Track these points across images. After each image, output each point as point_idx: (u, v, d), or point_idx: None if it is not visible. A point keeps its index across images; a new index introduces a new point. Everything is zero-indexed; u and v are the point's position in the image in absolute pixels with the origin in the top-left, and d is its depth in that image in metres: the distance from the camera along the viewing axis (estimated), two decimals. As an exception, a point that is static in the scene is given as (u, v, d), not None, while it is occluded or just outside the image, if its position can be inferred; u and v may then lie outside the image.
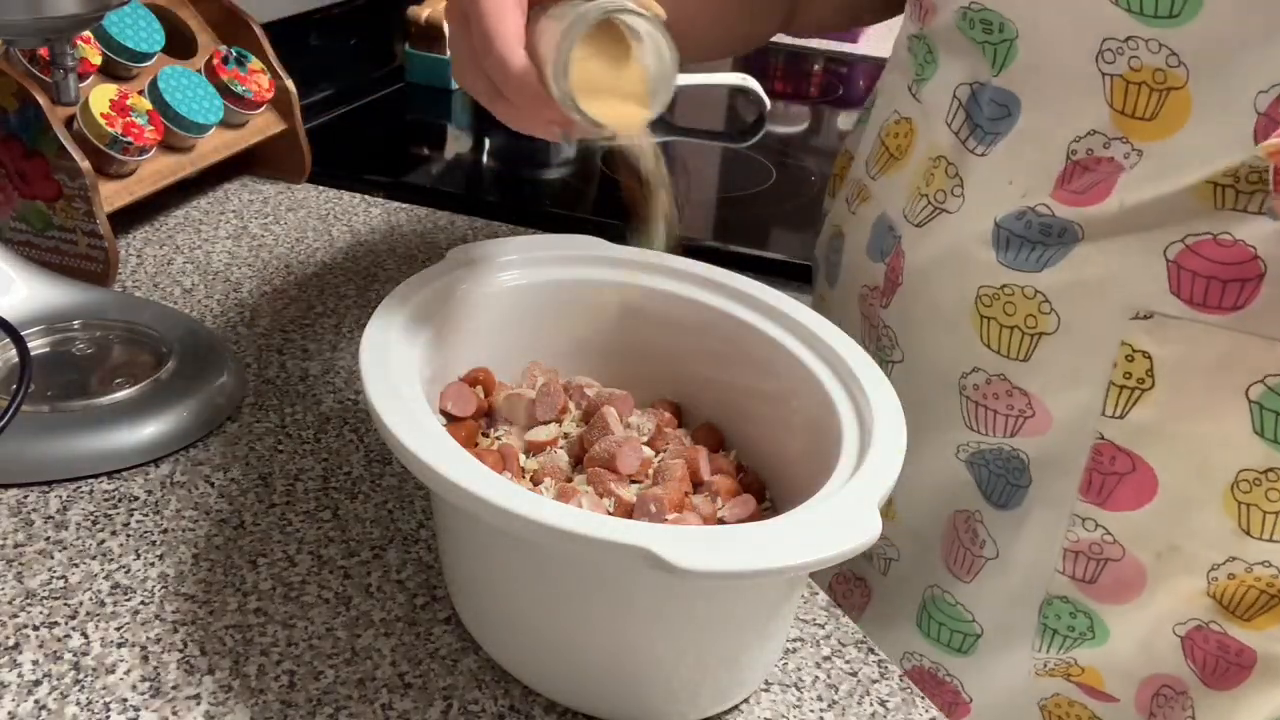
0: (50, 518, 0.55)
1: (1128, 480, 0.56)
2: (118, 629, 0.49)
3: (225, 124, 0.88)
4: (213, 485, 0.58)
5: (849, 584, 0.73)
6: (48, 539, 0.54)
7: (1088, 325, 0.55)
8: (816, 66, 1.61)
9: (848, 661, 0.52)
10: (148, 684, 0.46)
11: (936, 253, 0.61)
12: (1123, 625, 0.59)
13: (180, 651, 0.48)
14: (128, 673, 0.47)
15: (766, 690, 0.49)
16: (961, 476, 0.62)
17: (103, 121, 0.76)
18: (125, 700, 0.45)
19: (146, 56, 0.83)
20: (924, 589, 0.66)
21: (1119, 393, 0.55)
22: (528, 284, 0.56)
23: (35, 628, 0.48)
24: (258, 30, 0.92)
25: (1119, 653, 0.59)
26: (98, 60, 0.80)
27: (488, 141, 1.24)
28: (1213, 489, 0.54)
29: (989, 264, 0.58)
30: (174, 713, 0.45)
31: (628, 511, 0.48)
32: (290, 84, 0.93)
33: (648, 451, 0.52)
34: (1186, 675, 0.58)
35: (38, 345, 0.65)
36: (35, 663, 0.47)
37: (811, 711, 0.49)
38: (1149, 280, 0.53)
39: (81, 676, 0.46)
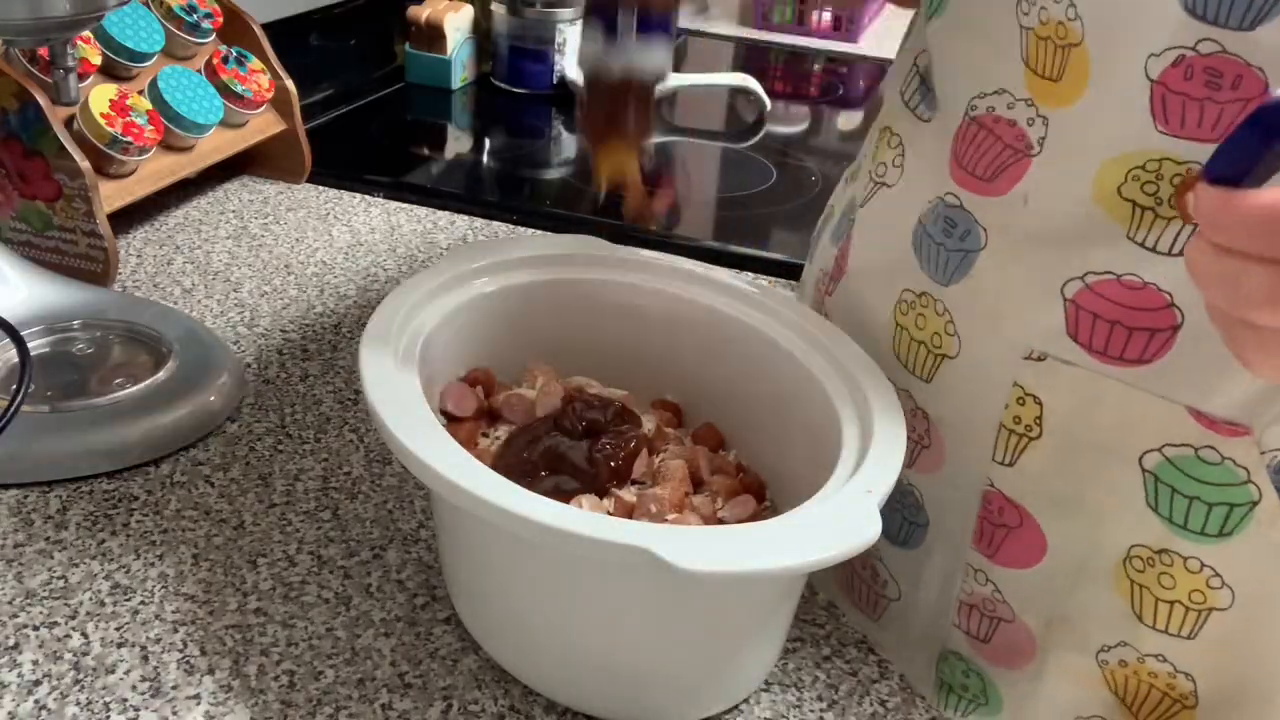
0: (50, 518, 0.55)
1: (1016, 535, 0.51)
2: (118, 629, 0.49)
3: (225, 124, 0.88)
4: (213, 485, 0.58)
5: None
6: (48, 539, 0.54)
7: (984, 356, 0.50)
8: (816, 66, 1.61)
9: (848, 661, 0.51)
10: (148, 684, 0.46)
11: (876, 242, 0.57)
12: (1014, 696, 0.54)
13: (180, 651, 0.48)
14: (128, 673, 0.47)
15: (766, 690, 0.49)
16: None
17: (103, 121, 0.76)
18: (125, 700, 0.45)
19: (146, 56, 0.83)
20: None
21: (1008, 437, 0.50)
22: (528, 284, 0.56)
23: (35, 628, 0.48)
24: (258, 30, 0.92)
25: None
26: (98, 60, 0.80)
27: (488, 141, 1.24)
28: (1104, 562, 0.49)
29: (912, 266, 0.53)
30: (174, 713, 0.45)
31: (628, 512, 0.48)
32: (290, 84, 0.93)
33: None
34: None
35: (38, 345, 0.65)
36: (35, 663, 0.47)
37: (811, 711, 0.49)
38: (1045, 315, 0.47)
39: (81, 676, 0.46)
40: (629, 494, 0.49)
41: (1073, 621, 0.51)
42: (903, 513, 0.56)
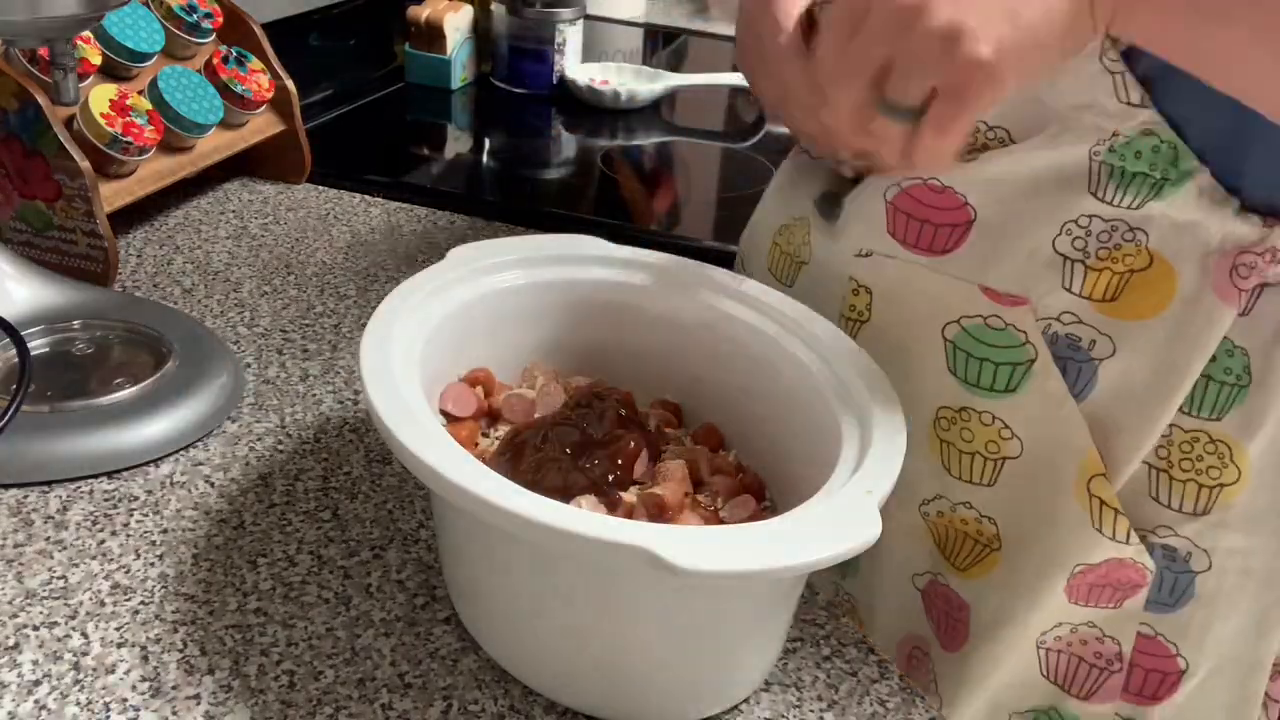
0: (50, 518, 0.55)
1: None
2: (118, 629, 0.49)
3: (225, 124, 0.88)
4: (213, 485, 0.58)
5: None
6: (48, 539, 0.54)
7: (828, 259, 0.61)
8: (816, 66, 1.61)
9: (848, 661, 0.52)
10: (148, 684, 0.46)
11: (783, 177, 0.68)
12: (868, 556, 0.60)
13: (180, 651, 0.48)
14: (128, 673, 0.47)
15: (766, 690, 0.49)
16: None
17: (103, 121, 0.76)
18: (125, 700, 0.45)
19: (146, 56, 0.83)
20: None
21: (846, 324, 0.59)
22: (528, 284, 0.56)
23: (35, 628, 0.48)
24: (258, 30, 0.92)
25: (875, 604, 0.64)
26: (98, 60, 0.80)
27: (488, 141, 1.24)
28: (920, 425, 0.57)
29: (798, 196, 0.64)
30: (174, 713, 0.45)
31: (628, 511, 0.48)
32: (290, 84, 0.93)
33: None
34: (927, 633, 0.62)
35: (38, 345, 0.65)
36: (35, 663, 0.47)
37: (811, 711, 0.49)
38: (873, 219, 0.57)
39: (81, 676, 0.46)
40: (629, 494, 0.49)
41: (901, 480, 0.57)
42: None
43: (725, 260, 0.67)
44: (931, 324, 0.56)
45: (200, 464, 0.60)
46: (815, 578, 0.53)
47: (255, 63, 0.91)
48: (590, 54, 1.37)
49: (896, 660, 0.64)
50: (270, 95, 0.91)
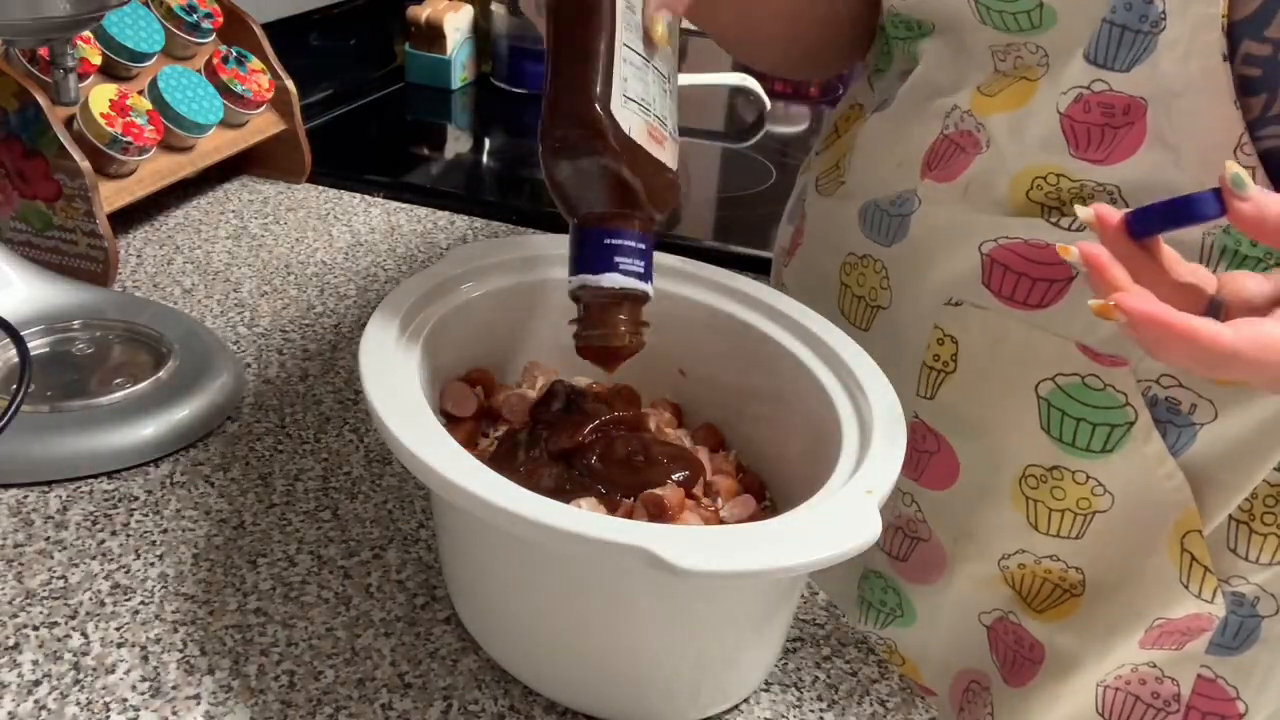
0: (50, 518, 0.55)
1: (935, 460, 0.59)
2: (118, 629, 0.49)
3: (225, 124, 0.88)
4: (213, 485, 0.58)
5: None
6: (48, 539, 0.53)
7: (912, 304, 0.59)
8: (816, 66, 1.61)
9: (848, 661, 0.52)
10: (148, 684, 0.46)
11: (829, 213, 0.66)
12: (926, 607, 0.61)
13: (180, 651, 0.48)
14: (128, 673, 0.47)
15: (766, 690, 0.49)
16: None
17: (103, 121, 0.76)
18: (125, 700, 0.45)
19: (146, 56, 0.83)
20: None
21: (928, 374, 0.58)
22: (528, 284, 0.56)
23: (35, 628, 0.48)
24: (258, 30, 0.92)
25: (929, 641, 0.62)
26: (98, 60, 0.80)
27: (488, 141, 1.24)
28: (1003, 480, 0.56)
29: (856, 232, 0.62)
30: (174, 713, 0.45)
31: (628, 512, 0.48)
32: (290, 84, 0.93)
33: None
34: (990, 669, 0.61)
35: (38, 345, 0.65)
36: (35, 663, 0.47)
37: (811, 711, 0.49)
38: (964, 268, 0.56)
39: (81, 676, 0.46)
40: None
41: (976, 536, 0.58)
42: None
43: (725, 260, 0.67)
44: (1023, 379, 0.54)
45: (200, 464, 0.60)
46: (844, 609, 0.53)
47: (255, 63, 0.91)
48: (590, 54, 1.37)
49: (950, 694, 0.62)
50: (270, 95, 0.91)
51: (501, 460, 0.50)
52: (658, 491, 0.48)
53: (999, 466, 0.56)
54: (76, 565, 0.52)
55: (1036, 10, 0.50)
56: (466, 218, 0.95)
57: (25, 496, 0.56)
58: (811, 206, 0.68)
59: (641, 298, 0.48)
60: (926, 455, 0.59)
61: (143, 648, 0.48)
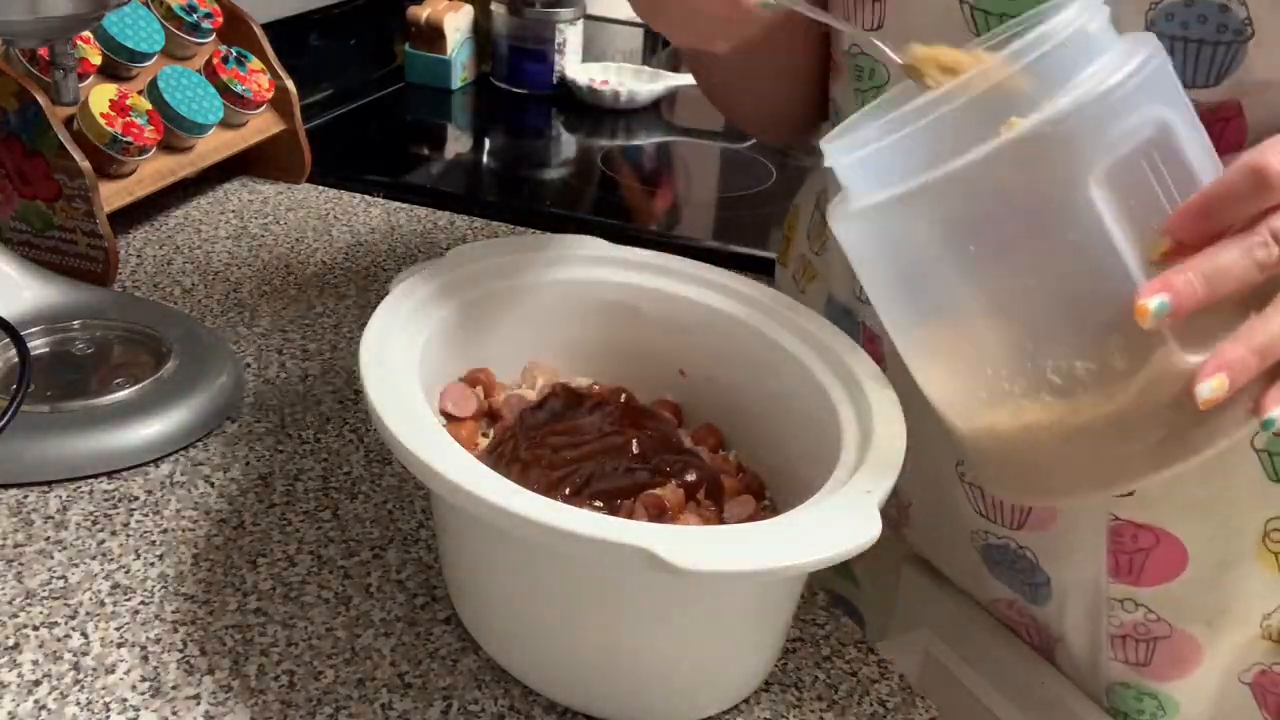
0: (50, 518, 0.55)
1: (1155, 554, 0.54)
2: (118, 629, 0.49)
3: (225, 124, 0.88)
4: (213, 485, 0.58)
5: None
6: (48, 539, 0.53)
7: None
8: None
9: (848, 661, 0.51)
10: (148, 684, 0.46)
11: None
12: (1190, 694, 0.58)
13: (180, 651, 0.48)
14: (128, 673, 0.47)
15: (766, 690, 0.49)
16: (983, 570, 0.61)
17: (103, 121, 0.76)
18: (125, 700, 0.45)
19: (146, 56, 0.83)
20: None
21: None
22: (528, 284, 0.56)
23: (35, 628, 0.48)
24: (258, 30, 0.92)
25: (1193, 717, 0.59)
26: (98, 60, 0.80)
27: (488, 141, 1.24)
28: (1245, 545, 0.53)
29: None
30: (174, 713, 0.45)
31: (628, 512, 0.48)
32: (290, 84, 0.93)
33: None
34: None
35: (38, 345, 0.65)
36: (35, 663, 0.47)
37: (811, 711, 0.49)
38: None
39: (81, 676, 0.46)
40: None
41: (1230, 610, 0.55)
42: (1020, 575, 0.59)
43: (725, 260, 0.67)
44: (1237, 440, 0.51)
45: (200, 464, 0.60)
46: None
47: (255, 63, 0.91)
48: (590, 54, 1.37)
49: None
50: (270, 95, 0.91)
51: (500, 460, 0.50)
52: (658, 492, 0.48)
53: (1237, 533, 0.53)
54: (76, 565, 0.52)
55: None
56: (466, 218, 0.95)
57: (25, 496, 0.56)
58: (878, 322, 0.61)
59: None
60: (1143, 553, 0.55)
61: (143, 648, 0.48)
